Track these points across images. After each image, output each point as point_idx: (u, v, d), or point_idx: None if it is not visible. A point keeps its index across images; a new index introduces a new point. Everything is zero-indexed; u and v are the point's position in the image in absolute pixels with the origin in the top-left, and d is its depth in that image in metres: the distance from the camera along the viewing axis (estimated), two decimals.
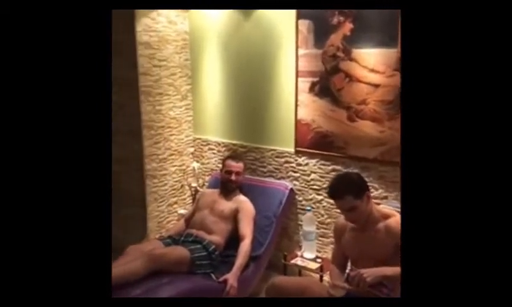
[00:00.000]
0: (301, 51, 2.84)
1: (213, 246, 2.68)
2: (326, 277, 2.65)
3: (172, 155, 3.43)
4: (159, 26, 3.17)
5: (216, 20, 3.25)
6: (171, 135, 3.40)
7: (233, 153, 3.22)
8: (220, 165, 3.37)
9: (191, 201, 3.58)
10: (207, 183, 3.49)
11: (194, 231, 2.80)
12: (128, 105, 3.22)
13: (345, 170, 2.73)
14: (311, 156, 2.92)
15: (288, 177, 3.06)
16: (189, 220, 3.00)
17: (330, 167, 2.84)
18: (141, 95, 3.14)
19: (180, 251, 2.57)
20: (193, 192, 3.54)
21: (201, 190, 3.47)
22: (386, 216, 2.06)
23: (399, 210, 2.16)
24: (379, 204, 2.41)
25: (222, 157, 3.35)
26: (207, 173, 3.54)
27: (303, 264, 2.75)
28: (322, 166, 2.88)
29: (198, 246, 2.65)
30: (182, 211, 3.50)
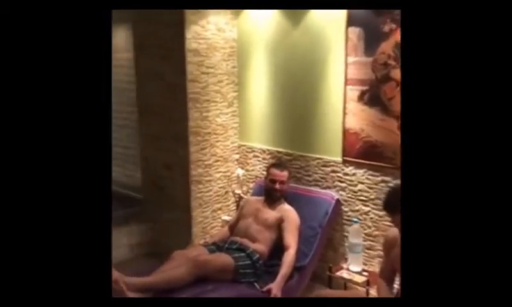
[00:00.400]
0: (351, 59, 2.78)
1: (257, 255, 2.66)
2: (373, 292, 2.57)
3: (217, 161, 3.45)
4: (208, 34, 3.20)
5: (264, 28, 3.25)
6: (217, 141, 3.43)
7: (278, 161, 3.19)
8: (265, 173, 3.36)
9: (234, 207, 3.58)
10: (251, 190, 3.48)
11: (238, 238, 2.79)
12: (176, 111, 3.27)
13: (395, 182, 2.64)
14: (359, 166, 2.85)
15: (335, 187, 3.00)
16: (233, 227, 3.00)
17: (379, 178, 2.76)
18: (188, 102, 3.19)
19: (225, 259, 2.57)
20: (237, 199, 3.54)
21: (245, 197, 3.47)
22: None
23: None
24: None
25: (267, 165, 3.33)
26: (251, 180, 3.53)
27: (348, 277, 2.68)
28: (370, 177, 2.80)
29: (242, 254, 2.64)
30: (225, 217, 3.50)
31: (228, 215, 3.53)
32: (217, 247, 2.75)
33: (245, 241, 2.75)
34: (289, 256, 2.65)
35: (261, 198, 3.00)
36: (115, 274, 2.37)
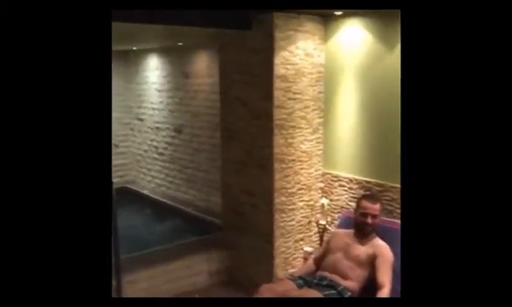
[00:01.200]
0: None
1: (348, 293, 2.49)
2: None
3: (301, 189, 3.33)
4: (296, 59, 3.13)
5: (353, 52, 3.12)
6: (301, 169, 3.31)
7: (369, 193, 3.00)
8: (351, 203, 3.19)
9: (317, 238, 3.43)
10: (335, 221, 3.31)
11: (328, 274, 2.63)
12: (261, 137, 3.22)
13: None
14: None
15: None
16: (319, 261, 2.84)
17: None
18: (274, 128, 3.11)
19: (315, 295, 2.42)
20: (320, 230, 3.38)
21: (330, 228, 3.31)
22: None
23: None
24: None
25: (354, 194, 3.17)
26: (335, 210, 3.37)
27: None
28: None
29: (333, 291, 2.48)
30: (307, 248, 3.36)
31: (310, 247, 3.38)
32: (305, 281, 2.61)
33: (335, 277, 2.59)
34: (383, 296, 2.46)
35: (350, 231, 2.82)
36: None
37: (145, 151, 5.84)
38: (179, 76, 5.07)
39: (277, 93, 3.09)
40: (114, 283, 2.95)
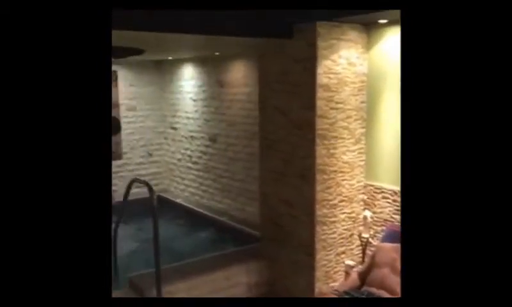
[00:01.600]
0: None
1: None
2: None
3: (342, 201, 3.25)
4: (338, 68, 3.07)
5: (397, 61, 3.04)
6: (343, 180, 3.24)
7: None
8: (395, 216, 3.10)
9: (359, 252, 3.33)
10: (378, 235, 3.22)
11: (375, 290, 2.55)
12: (302, 147, 3.16)
13: None
14: None
15: None
16: (364, 275, 2.76)
17: None
18: (316, 138, 3.06)
19: None
20: (363, 243, 3.29)
21: (372, 242, 3.22)
22: None
23: None
24: None
25: (398, 207, 3.07)
26: (378, 223, 3.27)
27: None
28: None
29: None
30: (349, 262, 3.27)
31: (352, 260, 3.29)
32: (351, 297, 2.53)
33: (383, 293, 2.50)
34: None
35: (397, 246, 2.73)
36: None
37: (179, 160, 5.87)
38: (215, 85, 5.08)
39: (319, 103, 3.03)
40: (155, 292, 2.94)
